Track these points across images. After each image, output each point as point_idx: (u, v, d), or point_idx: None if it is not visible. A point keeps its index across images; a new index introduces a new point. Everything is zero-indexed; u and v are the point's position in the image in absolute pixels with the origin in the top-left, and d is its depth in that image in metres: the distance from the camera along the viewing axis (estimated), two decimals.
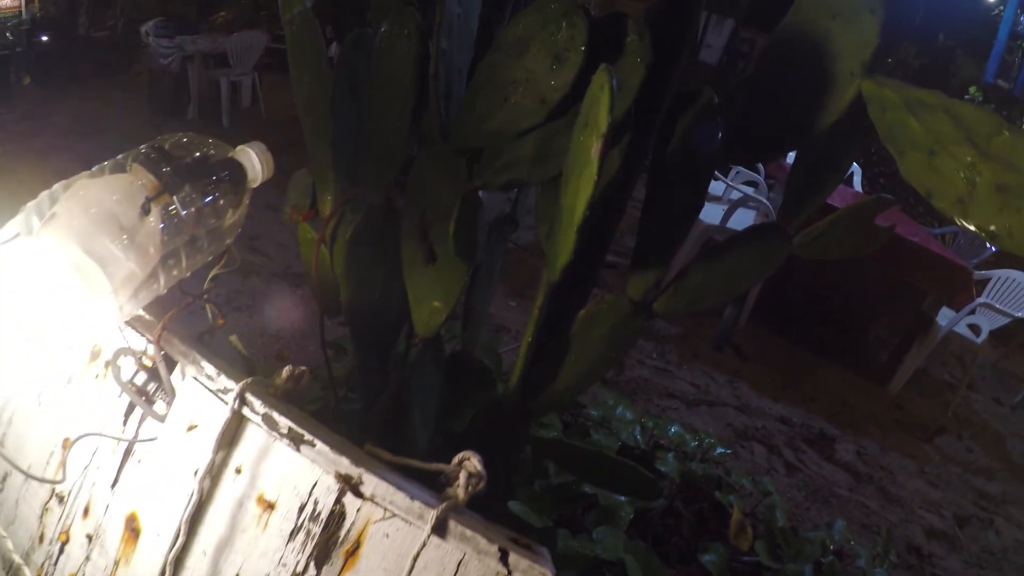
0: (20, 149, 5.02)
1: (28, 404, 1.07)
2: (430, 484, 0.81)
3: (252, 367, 0.96)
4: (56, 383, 1.04)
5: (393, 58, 1.10)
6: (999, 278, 4.60)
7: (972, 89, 8.44)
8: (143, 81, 6.76)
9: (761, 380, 4.13)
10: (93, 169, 0.83)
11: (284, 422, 0.83)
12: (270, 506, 0.85)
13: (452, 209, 1.01)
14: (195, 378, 0.91)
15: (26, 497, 1.07)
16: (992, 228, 0.73)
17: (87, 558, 0.98)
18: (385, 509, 0.78)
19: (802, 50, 0.94)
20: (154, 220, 0.80)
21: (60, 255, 0.75)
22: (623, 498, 1.65)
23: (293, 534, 0.84)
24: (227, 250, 0.95)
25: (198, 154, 0.88)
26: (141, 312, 0.94)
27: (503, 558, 0.73)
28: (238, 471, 0.88)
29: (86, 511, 0.99)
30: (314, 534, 0.82)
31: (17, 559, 1.04)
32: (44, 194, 0.82)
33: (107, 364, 0.96)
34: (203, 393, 0.90)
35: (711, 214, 4.53)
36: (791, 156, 1.23)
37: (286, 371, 0.88)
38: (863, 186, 6.45)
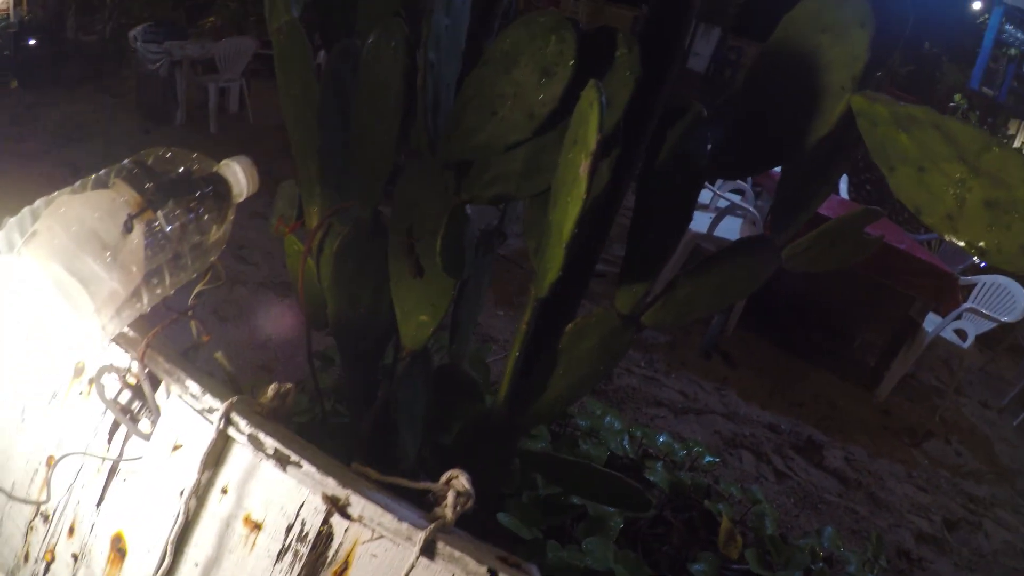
0: (7, 153, 4.98)
1: (11, 421, 1.05)
2: (418, 502, 0.80)
3: (238, 385, 0.95)
4: (40, 400, 1.02)
5: (381, 69, 1.09)
6: (985, 283, 4.64)
7: (957, 97, 8.49)
8: (131, 86, 6.72)
9: (749, 387, 4.14)
10: (75, 185, 0.82)
11: (270, 442, 0.82)
12: (257, 526, 0.84)
13: (440, 224, 1.00)
14: (180, 397, 0.90)
15: (11, 515, 1.05)
16: (981, 244, 0.73)
17: None
18: (373, 530, 0.77)
19: (792, 64, 0.93)
20: (137, 238, 0.78)
21: (42, 274, 0.74)
22: (612, 509, 1.64)
23: (280, 555, 0.82)
24: (212, 266, 0.94)
25: (182, 169, 0.87)
26: (125, 329, 0.92)
27: None
28: (224, 491, 0.86)
29: (71, 530, 0.98)
30: (302, 555, 0.81)
31: None
32: (25, 210, 0.80)
33: (91, 381, 0.94)
34: (188, 412, 0.89)
35: (698, 222, 4.54)
36: None
37: (272, 389, 0.87)
38: (849, 192, 6.49)
